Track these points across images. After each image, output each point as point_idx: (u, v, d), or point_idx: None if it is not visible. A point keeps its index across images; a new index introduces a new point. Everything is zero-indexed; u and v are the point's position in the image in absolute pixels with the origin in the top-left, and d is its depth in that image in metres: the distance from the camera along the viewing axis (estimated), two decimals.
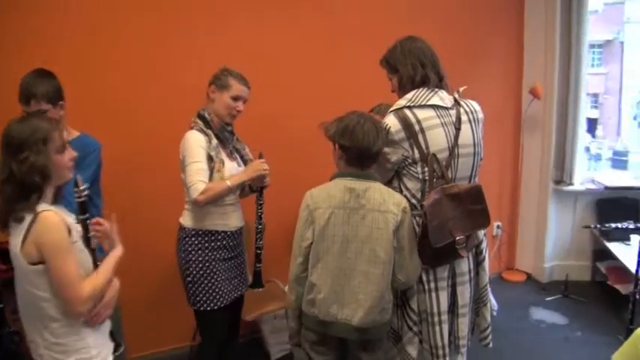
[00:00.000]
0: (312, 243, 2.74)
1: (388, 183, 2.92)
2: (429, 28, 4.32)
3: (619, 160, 6.67)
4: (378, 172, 2.86)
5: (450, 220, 2.77)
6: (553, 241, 5.89)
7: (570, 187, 5.67)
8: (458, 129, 2.81)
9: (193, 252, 3.25)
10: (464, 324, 2.97)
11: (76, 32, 3.77)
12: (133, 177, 4.05)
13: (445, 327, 2.87)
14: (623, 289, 5.19)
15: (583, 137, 5.82)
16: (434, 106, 2.79)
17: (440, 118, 2.78)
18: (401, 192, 2.86)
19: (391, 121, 2.78)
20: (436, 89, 2.83)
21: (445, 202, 2.74)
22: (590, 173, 6.01)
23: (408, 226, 2.74)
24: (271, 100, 4.21)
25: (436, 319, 2.86)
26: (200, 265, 3.25)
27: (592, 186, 5.72)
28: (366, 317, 2.68)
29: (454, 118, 2.82)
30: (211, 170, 3.14)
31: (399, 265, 2.75)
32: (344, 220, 2.69)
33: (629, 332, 4.43)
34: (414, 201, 2.84)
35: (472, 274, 2.98)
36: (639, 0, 7.45)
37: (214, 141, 3.21)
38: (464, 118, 2.85)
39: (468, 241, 2.86)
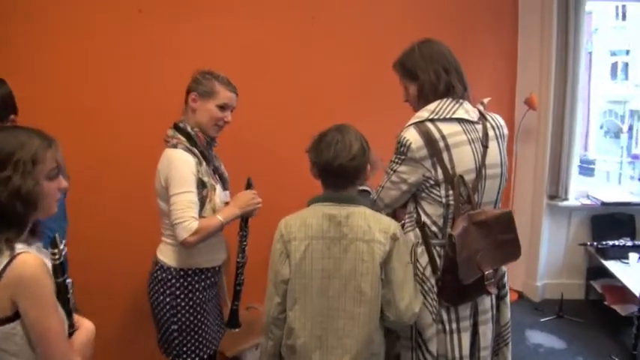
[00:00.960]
0: (289, 279, 2.38)
1: (402, 207, 2.63)
2: (417, 37, 4.15)
3: (586, 169, 6.66)
4: (389, 194, 2.57)
5: (479, 252, 2.43)
6: (546, 258, 5.69)
7: (565, 203, 5.48)
8: (485, 147, 2.48)
9: (182, 296, 2.81)
10: None
11: (38, 40, 3.60)
12: (98, 194, 3.79)
13: None
14: (622, 309, 5.02)
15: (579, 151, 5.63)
16: (460, 120, 2.45)
17: (467, 134, 2.45)
18: (418, 217, 2.51)
19: (412, 136, 2.41)
20: (461, 100, 2.49)
21: (473, 231, 2.41)
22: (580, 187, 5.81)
23: (401, 256, 2.37)
24: (251, 111, 3.76)
25: None
26: (191, 311, 2.83)
27: (587, 201, 5.54)
28: None
29: (481, 134, 2.49)
30: (202, 199, 2.71)
31: (387, 300, 2.37)
32: (323, 252, 2.33)
33: (632, 358, 4.27)
34: (434, 228, 2.49)
35: (494, 311, 2.65)
36: (607, 11, 7.41)
37: (204, 163, 2.77)
38: (491, 134, 2.52)
39: (495, 275, 2.53)
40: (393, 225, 2.38)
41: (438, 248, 2.48)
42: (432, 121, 2.43)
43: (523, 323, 5.18)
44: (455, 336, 2.50)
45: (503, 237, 2.52)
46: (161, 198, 2.78)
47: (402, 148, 2.44)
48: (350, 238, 2.32)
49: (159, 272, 2.85)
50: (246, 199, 2.89)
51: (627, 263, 5.09)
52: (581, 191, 5.66)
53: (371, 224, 2.33)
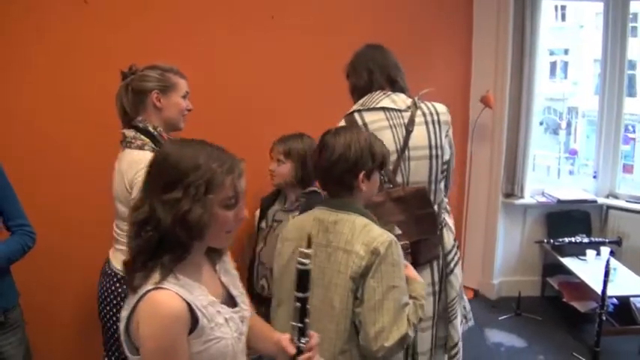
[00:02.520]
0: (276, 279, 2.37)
1: None
2: (370, 35, 4.11)
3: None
4: None
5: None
6: (501, 256, 5.70)
7: (521, 201, 5.52)
8: (410, 131, 2.70)
9: None
10: (423, 339, 2.76)
11: None
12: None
13: None
14: (582, 306, 5.06)
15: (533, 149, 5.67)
16: (384, 109, 2.75)
17: (389, 120, 2.73)
18: None
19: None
20: (389, 92, 2.81)
21: (389, 205, 2.60)
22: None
23: (381, 275, 2.15)
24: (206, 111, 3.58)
25: None
26: None
27: (543, 199, 5.59)
28: None
29: (406, 120, 2.72)
30: None
31: (359, 321, 2.17)
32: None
33: (595, 355, 4.30)
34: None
35: (437, 287, 2.80)
36: (544, 7, 7.54)
37: None
38: (419, 119, 2.73)
39: (422, 251, 2.69)
40: (380, 239, 2.17)
41: None
42: (358, 111, 2.77)
43: (481, 322, 5.16)
44: None
45: (420, 212, 2.67)
46: (122, 201, 2.56)
47: None
48: (334, 246, 2.21)
49: (117, 285, 2.58)
50: None
51: (584, 260, 5.13)
52: (536, 189, 5.71)
53: (355, 234, 2.19)
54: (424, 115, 2.75)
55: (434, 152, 2.72)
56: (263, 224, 3.32)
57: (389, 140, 2.62)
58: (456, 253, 2.90)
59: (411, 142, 2.68)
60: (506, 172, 5.43)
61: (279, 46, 4.30)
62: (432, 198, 2.73)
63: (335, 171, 2.22)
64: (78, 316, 3.66)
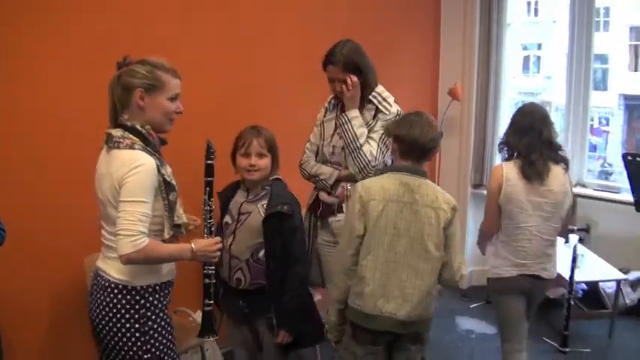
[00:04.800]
0: (363, 235, 2.76)
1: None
2: (338, 26, 4.45)
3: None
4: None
5: None
6: (471, 245, 5.69)
7: None
8: None
9: (154, 317, 2.49)
10: None
11: None
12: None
13: None
14: (551, 292, 5.12)
15: None
16: None
17: None
18: None
19: (397, 108, 3.40)
20: None
21: None
22: None
23: (456, 225, 2.84)
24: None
25: None
26: (163, 333, 2.53)
27: None
28: (413, 311, 2.75)
29: None
30: (171, 204, 2.46)
31: (444, 262, 2.82)
32: (397, 213, 2.74)
33: (564, 338, 4.38)
34: None
35: None
36: (515, 2, 7.62)
37: (165, 164, 2.50)
38: None
39: None
40: (453, 199, 2.86)
41: None
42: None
43: (452, 310, 5.27)
44: None
45: None
46: (113, 205, 2.40)
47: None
48: (420, 204, 2.75)
49: (118, 297, 2.44)
50: (205, 244, 2.59)
51: None
52: None
53: (438, 195, 2.79)
54: None
55: None
56: (228, 219, 3.26)
57: None
58: None
59: None
60: (475, 163, 5.52)
61: (246, 36, 4.32)
62: None
63: (428, 144, 2.80)
64: (53, 312, 3.59)
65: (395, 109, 3.35)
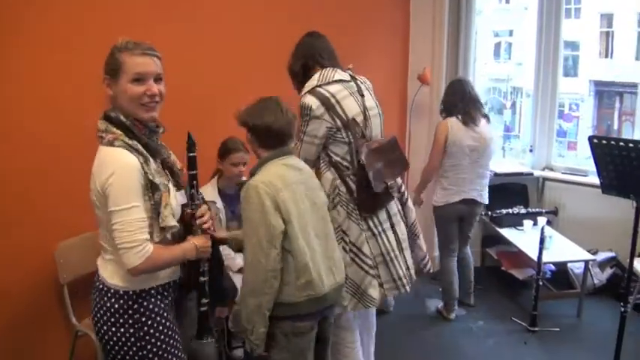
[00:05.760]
0: (285, 229, 2.60)
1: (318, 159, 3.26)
2: (312, 14, 4.55)
3: None
4: (307, 151, 3.17)
5: (381, 169, 3.18)
6: None
7: None
8: (362, 96, 3.24)
9: (150, 322, 2.33)
10: (408, 255, 3.39)
11: None
12: None
13: (401, 260, 3.29)
14: (520, 274, 5.27)
15: None
16: (339, 81, 3.18)
17: (347, 90, 3.19)
18: (330, 160, 3.20)
19: (310, 100, 3.10)
20: (334, 68, 3.24)
21: (371, 155, 3.15)
22: None
23: None
24: None
25: (392, 254, 3.24)
26: (162, 337, 2.36)
27: None
28: (343, 273, 2.90)
29: (356, 89, 3.24)
30: (156, 205, 2.23)
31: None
32: (301, 193, 2.72)
33: (533, 318, 4.45)
34: (345, 163, 3.19)
35: (401, 214, 3.43)
36: None
37: (150, 159, 2.26)
38: (362, 87, 3.28)
39: (395, 185, 3.38)
40: None
41: (352, 177, 3.18)
42: (319, 86, 3.15)
43: (423, 293, 5.32)
44: (383, 235, 3.24)
45: (393, 156, 3.31)
46: (98, 207, 2.25)
47: (305, 111, 3.11)
48: (307, 176, 2.86)
49: (111, 302, 2.30)
50: (204, 240, 2.46)
51: (522, 230, 5.33)
52: None
53: (307, 166, 2.94)
54: (362, 83, 3.32)
55: (378, 111, 3.34)
56: None
57: (354, 105, 3.18)
58: (405, 190, 3.56)
59: (366, 104, 3.24)
60: None
61: (227, 28, 4.34)
62: None
63: (285, 128, 2.77)
64: (22, 302, 3.44)
65: (303, 101, 3.17)
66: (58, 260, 3.37)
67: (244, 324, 2.64)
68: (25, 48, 3.25)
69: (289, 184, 2.66)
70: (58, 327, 3.49)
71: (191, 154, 2.50)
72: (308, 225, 2.69)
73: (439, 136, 4.61)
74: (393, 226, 3.31)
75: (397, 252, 3.28)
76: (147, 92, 2.22)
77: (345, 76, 3.24)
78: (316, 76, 3.19)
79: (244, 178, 3.25)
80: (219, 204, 3.89)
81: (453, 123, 4.58)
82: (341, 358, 3.38)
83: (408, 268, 3.36)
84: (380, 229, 3.23)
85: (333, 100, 3.11)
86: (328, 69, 3.22)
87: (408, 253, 3.39)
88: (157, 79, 2.28)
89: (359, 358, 3.43)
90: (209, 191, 3.86)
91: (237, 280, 3.52)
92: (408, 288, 3.33)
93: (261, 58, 4.41)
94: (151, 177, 2.20)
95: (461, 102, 4.62)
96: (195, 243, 2.39)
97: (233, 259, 3.87)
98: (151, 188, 2.21)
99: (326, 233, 2.83)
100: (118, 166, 2.14)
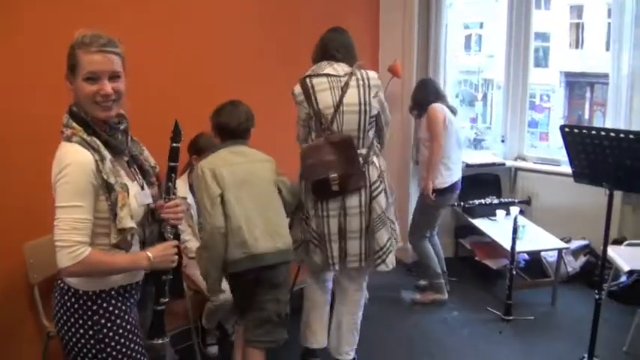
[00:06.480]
0: (221, 194, 3.17)
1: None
2: (274, 3, 4.53)
3: None
4: (298, 131, 3.69)
5: (328, 162, 3.47)
6: None
7: None
8: (344, 92, 3.48)
9: (109, 324, 2.23)
10: (353, 246, 3.61)
11: None
12: None
13: (335, 245, 3.60)
14: (493, 263, 5.30)
15: None
16: (327, 75, 3.52)
17: (329, 84, 3.50)
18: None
19: (296, 88, 3.58)
20: (333, 62, 3.58)
21: (326, 147, 3.48)
22: None
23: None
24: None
25: (328, 237, 3.59)
26: (122, 341, 2.26)
27: None
28: (287, 241, 3.35)
29: (342, 84, 3.50)
30: (112, 206, 2.14)
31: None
32: (242, 171, 3.26)
33: (507, 307, 4.47)
34: None
35: (364, 209, 3.60)
36: None
37: (108, 157, 2.15)
38: (352, 83, 3.51)
39: (350, 182, 3.51)
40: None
41: None
42: (309, 77, 3.55)
43: (398, 285, 5.33)
44: (325, 220, 3.58)
45: (348, 153, 3.49)
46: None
47: (293, 97, 3.59)
48: (249, 161, 3.35)
49: (66, 297, 2.23)
50: (162, 249, 2.30)
51: (495, 220, 5.35)
52: None
53: (258, 153, 3.42)
54: (357, 80, 3.53)
55: (362, 108, 3.51)
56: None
57: (327, 98, 3.49)
58: (379, 186, 3.62)
59: (345, 100, 3.47)
60: (417, 140, 5.53)
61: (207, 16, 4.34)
62: (360, 143, 3.56)
63: (238, 127, 3.35)
64: None
65: (293, 88, 3.62)
66: (28, 260, 3.32)
67: (202, 274, 3.27)
68: None
69: (230, 164, 3.25)
70: (30, 328, 3.45)
71: (175, 145, 2.41)
72: (244, 197, 3.22)
73: (439, 116, 4.75)
74: (341, 216, 3.59)
75: (335, 237, 3.60)
76: (99, 92, 2.12)
77: (339, 70, 3.54)
78: (312, 68, 3.62)
79: None
80: (191, 199, 3.92)
81: (444, 108, 4.81)
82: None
83: (346, 256, 3.64)
84: (325, 213, 3.57)
85: (311, 91, 3.50)
86: (323, 62, 3.59)
87: (353, 242, 3.63)
88: (114, 76, 2.17)
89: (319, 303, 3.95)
90: (181, 186, 3.86)
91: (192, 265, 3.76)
92: (336, 267, 3.65)
93: (244, 49, 4.50)
94: (105, 176, 2.11)
95: (435, 98, 4.85)
96: (149, 254, 2.23)
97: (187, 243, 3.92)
98: (105, 189, 2.13)
99: (266, 206, 3.30)
100: (70, 162, 2.07)
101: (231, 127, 3.33)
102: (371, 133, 3.62)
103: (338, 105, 3.48)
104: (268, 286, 3.31)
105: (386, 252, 3.66)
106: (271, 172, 3.41)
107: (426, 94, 4.88)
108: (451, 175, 4.84)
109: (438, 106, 4.78)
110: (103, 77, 2.12)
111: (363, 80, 3.53)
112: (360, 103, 3.50)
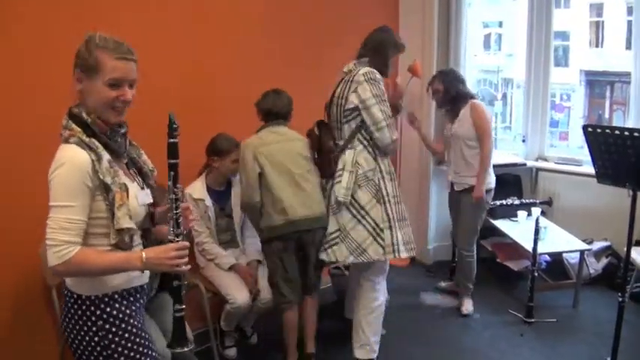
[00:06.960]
0: (260, 172, 3.66)
1: None
2: (297, 2, 4.55)
3: None
4: None
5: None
6: (435, 221, 5.82)
7: None
8: (337, 86, 3.86)
9: (114, 329, 2.21)
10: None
11: None
12: None
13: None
14: (515, 265, 5.23)
15: None
16: (346, 72, 3.86)
17: (340, 78, 3.86)
18: None
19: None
20: (355, 61, 3.87)
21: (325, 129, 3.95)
22: None
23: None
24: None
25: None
26: (130, 345, 2.24)
27: None
28: (322, 207, 3.81)
29: (342, 80, 3.83)
30: (110, 205, 2.12)
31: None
32: (279, 149, 3.73)
33: (529, 310, 4.43)
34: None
35: (327, 193, 3.92)
36: None
37: (105, 157, 2.14)
38: (346, 78, 3.80)
39: (325, 168, 3.91)
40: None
41: None
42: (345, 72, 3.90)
43: (417, 287, 5.30)
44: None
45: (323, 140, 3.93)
46: None
47: None
48: (286, 139, 3.81)
49: (70, 304, 2.23)
50: (160, 251, 2.21)
51: (516, 221, 5.31)
52: None
53: (294, 133, 3.90)
54: (350, 75, 3.77)
55: (339, 101, 3.82)
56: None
57: (331, 91, 3.89)
58: (341, 174, 3.75)
59: (335, 94, 3.85)
60: (436, 140, 5.49)
61: (207, 13, 4.29)
62: (338, 134, 3.87)
63: (280, 111, 3.84)
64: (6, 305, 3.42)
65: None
66: (44, 263, 3.28)
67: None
68: None
69: (269, 143, 3.73)
70: (48, 329, 3.47)
71: (172, 140, 2.28)
72: (282, 172, 3.69)
73: (488, 116, 4.70)
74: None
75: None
76: (120, 97, 2.14)
77: (351, 66, 3.84)
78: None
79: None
80: (208, 201, 3.91)
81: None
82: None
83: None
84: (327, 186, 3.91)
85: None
86: (353, 61, 3.88)
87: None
88: (132, 84, 2.20)
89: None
90: (198, 188, 3.94)
91: (227, 277, 3.92)
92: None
93: (245, 46, 4.48)
94: (101, 176, 2.09)
95: (464, 87, 4.85)
96: (144, 255, 2.15)
97: (224, 258, 4.00)
98: (103, 189, 2.12)
99: (302, 176, 3.75)
100: (65, 161, 2.06)
101: (274, 110, 3.81)
102: (347, 127, 3.82)
103: (331, 98, 3.91)
104: (308, 245, 3.78)
105: (329, 241, 3.81)
106: (305, 148, 3.87)
107: (457, 84, 4.80)
108: (492, 172, 4.80)
109: (481, 104, 4.74)
110: (124, 84, 2.15)
111: (351, 76, 3.77)
112: (339, 97, 3.83)
